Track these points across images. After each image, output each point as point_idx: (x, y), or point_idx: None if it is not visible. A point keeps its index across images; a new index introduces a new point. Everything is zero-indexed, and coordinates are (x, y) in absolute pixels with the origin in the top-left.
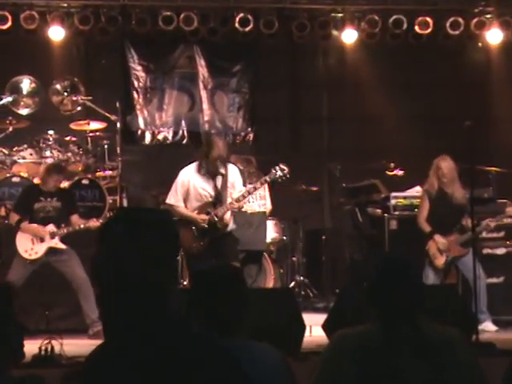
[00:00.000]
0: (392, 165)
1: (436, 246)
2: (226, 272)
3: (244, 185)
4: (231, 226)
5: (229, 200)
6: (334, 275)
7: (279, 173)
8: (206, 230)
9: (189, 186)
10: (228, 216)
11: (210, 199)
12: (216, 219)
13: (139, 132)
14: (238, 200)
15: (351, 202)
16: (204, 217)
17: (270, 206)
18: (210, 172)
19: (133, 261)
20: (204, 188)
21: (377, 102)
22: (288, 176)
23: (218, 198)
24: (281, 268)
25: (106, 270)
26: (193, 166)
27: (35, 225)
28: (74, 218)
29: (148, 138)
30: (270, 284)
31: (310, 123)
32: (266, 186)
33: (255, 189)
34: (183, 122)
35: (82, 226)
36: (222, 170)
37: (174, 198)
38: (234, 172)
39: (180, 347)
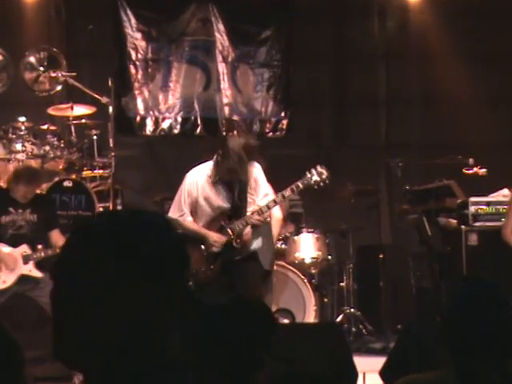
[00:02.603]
0: (471, 161)
1: None
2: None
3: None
4: (255, 244)
5: (249, 210)
6: (394, 306)
7: (315, 177)
8: (219, 251)
9: (197, 197)
10: (248, 232)
11: (224, 211)
12: (232, 237)
13: (138, 119)
14: (260, 212)
15: (417, 209)
16: (218, 237)
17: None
18: (222, 181)
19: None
20: (216, 200)
21: (450, 79)
22: (327, 182)
23: (235, 210)
24: (325, 297)
25: None
26: (204, 168)
27: (3, 247)
28: (55, 234)
29: (149, 127)
30: (311, 318)
31: (361, 107)
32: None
33: (283, 197)
34: (196, 106)
35: None
36: (241, 175)
37: (178, 211)
38: (255, 172)
39: None
